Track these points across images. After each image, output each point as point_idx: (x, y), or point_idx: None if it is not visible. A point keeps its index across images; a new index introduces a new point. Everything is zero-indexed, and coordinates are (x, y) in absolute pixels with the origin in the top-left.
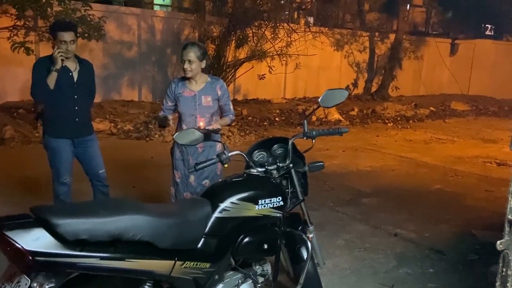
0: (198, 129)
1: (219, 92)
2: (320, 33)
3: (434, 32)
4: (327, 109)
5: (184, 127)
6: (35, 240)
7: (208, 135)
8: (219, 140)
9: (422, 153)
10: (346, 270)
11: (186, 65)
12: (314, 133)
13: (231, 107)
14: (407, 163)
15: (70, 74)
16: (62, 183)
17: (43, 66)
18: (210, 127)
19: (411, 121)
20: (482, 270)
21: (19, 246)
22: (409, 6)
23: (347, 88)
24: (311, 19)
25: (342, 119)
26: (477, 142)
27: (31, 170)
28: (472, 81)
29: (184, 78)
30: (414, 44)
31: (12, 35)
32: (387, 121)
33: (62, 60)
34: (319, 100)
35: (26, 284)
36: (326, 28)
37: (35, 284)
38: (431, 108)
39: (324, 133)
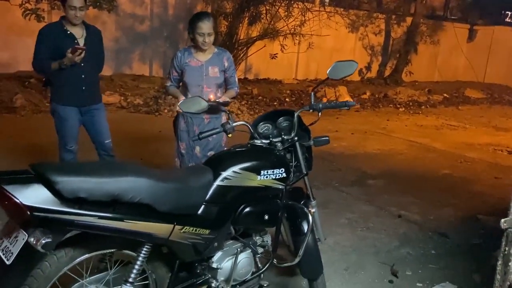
0: (208, 101)
1: (226, 64)
2: (335, 13)
3: (453, 17)
4: (338, 91)
5: (190, 95)
6: (33, 195)
7: (215, 107)
8: (226, 111)
9: (432, 139)
10: (347, 247)
11: (207, 38)
12: (320, 105)
13: (236, 79)
14: (416, 148)
15: (76, 41)
16: (68, 150)
17: (49, 35)
18: (220, 99)
19: (423, 107)
20: (485, 254)
21: (17, 201)
22: None
23: (359, 71)
24: None
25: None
26: (489, 130)
27: (39, 139)
28: (489, 69)
29: (191, 48)
30: (431, 28)
31: (24, 2)
32: (399, 106)
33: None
34: (328, 71)
35: (23, 239)
36: (342, 9)
37: (32, 239)
38: (445, 95)
39: (330, 106)
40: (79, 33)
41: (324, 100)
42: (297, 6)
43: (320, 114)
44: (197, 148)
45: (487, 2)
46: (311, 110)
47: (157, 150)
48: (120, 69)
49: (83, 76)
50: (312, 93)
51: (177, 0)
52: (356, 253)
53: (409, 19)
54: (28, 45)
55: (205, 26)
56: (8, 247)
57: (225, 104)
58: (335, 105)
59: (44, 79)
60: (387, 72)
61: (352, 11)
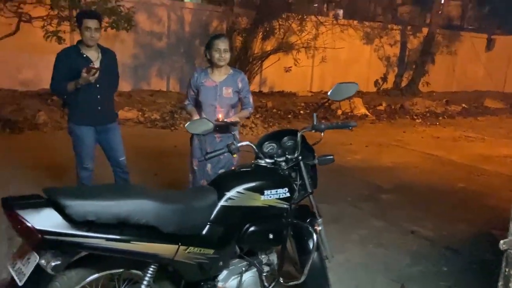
0: (217, 121)
1: (240, 85)
2: (348, 26)
3: (470, 27)
4: (353, 103)
5: (204, 116)
6: (45, 219)
7: (226, 127)
8: (237, 131)
9: (448, 151)
10: (357, 264)
11: (223, 54)
12: (322, 126)
13: (251, 100)
14: (432, 161)
15: (92, 63)
16: (84, 168)
17: (65, 59)
18: (228, 120)
19: (440, 118)
20: (498, 271)
21: (30, 225)
22: None
23: (375, 82)
24: (340, 12)
25: (369, 113)
26: (509, 141)
27: (60, 155)
28: (508, 78)
29: (207, 68)
30: (448, 38)
31: (45, 24)
32: (415, 117)
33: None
34: (329, 93)
35: (35, 261)
36: (356, 21)
37: (43, 261)
38: (463, 105)
39: (332, 127)
40: (94, 56)
41: (339, 112)
42: (310, 20)
43: (322, 134)
44: (209, 166)
45: (504, 11)
46: (313, 131)
47: (172, 165)
48: (138, 85)
49: (98, 96)
50: (314, 115)
51: (193, 18)
52: (367, 270)
53: (425, 30)
54: (50, 64)
55: (222, 43)
56: (21, 269)
57: (234, 124)
58: (337, 126)
59: (62, 101)
60: (403, 83)
61: (367, 23)
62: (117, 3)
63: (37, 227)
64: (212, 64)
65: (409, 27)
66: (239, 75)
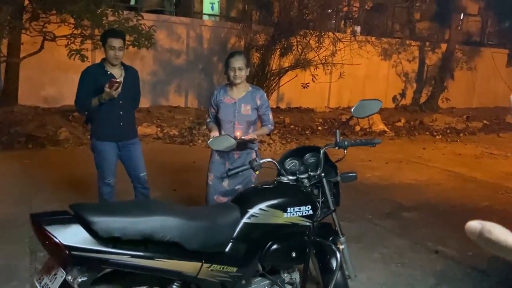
0: (235, 138)
1: (259, 102)
2: (366, 42)
3: (490, 42)
4: (371, 119)
5: (223, 133)
6: (71, 235)
7: (244, 144)
8: (256, 148)
9: (471, 168)
10: (380, 284)
11: (237, 72)
12: (346, 143)
13: (271, 117)
14: (454, 178)
15: (115, 79)
16: (106, 183)
17: (90, 76)
18: (246, 137)
19: (461, 134)
20: None
21: (57, 241)
22: (463, 15)
23: (393, 98)
24: (358, 28)
25: (388, 129)
26: None
27: (81, 170)
28: None
29: (227, 86)
30: (467, 54)
31: (69, 42)
32: (435, 133)
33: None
34: (352, 110)
35: (61, 277)
36: (373, 38)
37: (69, 277)
38: (484, 121)
39: (356, 144)
40: (118, 73)
41: (358, 128)
42: (327, 37)
43: (345, 151)
44: (226, 181)
45: None
46: (336, 148)
47: (190, 181)
48: (157, 101)
49: (121, 113)
50: (337, 131)
51: (211, 35)
52: None
53: (444, 46)
54: (73, 81)
55: (236, 62)
56: (47, 284)
57: (251, 141)
58: (361, 143)
59: (85, 117)
60: (422, 99)
61: (385, 40)
62: (138, 21)
63: (65, 243)
64: (231, 82)
65: (427, 43)
66: (258, 93)
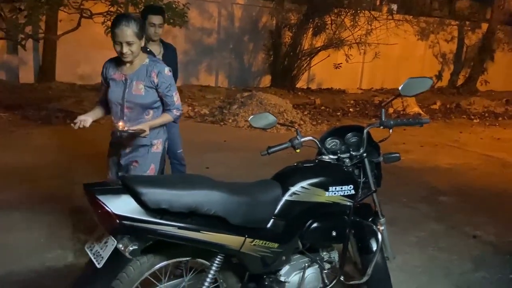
0: (117, 130)
1: (156, 80)
2: (403, 21)
3: None
4: (405, 101)
5: (113, 119)
6: (122, 205)
7: (131, 137)
8: (148, 144)
9: (510, 153)
10: (416, 268)
11: (125, 49)
12: (391, 122)
13: (175, 99)
14: (492, 163)
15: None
16: None
17: None
18: (133, 128)
19: (500, 118)
20: None
21: (109, 210)
22: None
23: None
24: (395, 6)
25: (422, 112)
26: None
27: None
28: None
29: (118, 58)
30: (509, 35)
31: (105, 20)
32: (473, 117)
33: None
34: (400, 88)
35: (112, 245)
36: (411, 16)
37: (120, 245)
38: None
39: (402, 123)
40: (157, 50)
41: (391, 110)
42: (363, 15)
43: (391, 131)
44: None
45: None
46: (381, 127)
47: (222, 159)
48: (188, 80)
49: None
50: (383, 110)
51: (243, 13)
52: (427, 274)
53: (484, 26)
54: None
55: (123, 34)
56: (99, 252)
57: (139, 133)
58: (408, 123)
59: None
60: (460, 81)
61: (422, 18)
62: None
63: (116, 212)
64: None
65: (467, 23)
66: (156, 66)
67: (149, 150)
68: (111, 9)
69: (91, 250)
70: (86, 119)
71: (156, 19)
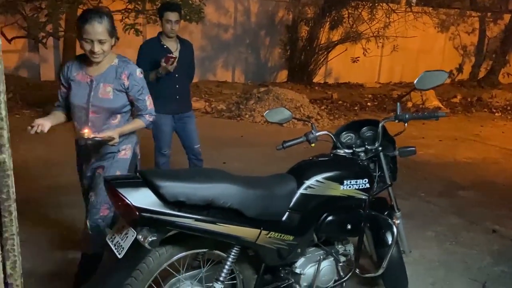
0: (81, 137)
1: (126, 82)
2: (423, 13)
3: None
4: (425, 95)
5: (76, 124)
6: (142, 198)
7: (96, 145)
8: (115, 150)
9: None
10: (434, 262)
11: (96, 48)
12: (407, 116)
13: (148, 103)
14: None
15: (171, 53)
16: (162, 154)
17: (148, 49)
18: (100, 136)
19: None
20: None
21: (129, 202)
22: None
23: (450, 72)
24: None
25: (442, 106)
26: None
27: (141, 142)
28: None
29: (82, 57)
30: None
31: (123, 17)
32: (494, 110)
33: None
34: (415, 81)
35: (133, 236)
36: (430, 8)
37: (140, 236)
38: None
39: (418, 117)
40: (174, 47)
41: (409, 104)
42: (381, 8)
43: (406, 125)
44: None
45: None
46: (396, 121)
47: (239, 154)
48: (205, 76)
49: (177, 86)
50: (398, 104)
51: (259, 8)
52: (444, 268)
53: (507, 17)
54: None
55: (95, 31)
56: (119, 243)
57: (107, 141)
58: (423, 116)
59: None
60: (481, 74)
61: (442, 10)
62: None
63: (135, 205)
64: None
65: (489, 14)
66: (126, 67)
67: (115, 156)
68: (129, 6)
69: (112, 241)
70: (44, 123)
71: (172, 15)
